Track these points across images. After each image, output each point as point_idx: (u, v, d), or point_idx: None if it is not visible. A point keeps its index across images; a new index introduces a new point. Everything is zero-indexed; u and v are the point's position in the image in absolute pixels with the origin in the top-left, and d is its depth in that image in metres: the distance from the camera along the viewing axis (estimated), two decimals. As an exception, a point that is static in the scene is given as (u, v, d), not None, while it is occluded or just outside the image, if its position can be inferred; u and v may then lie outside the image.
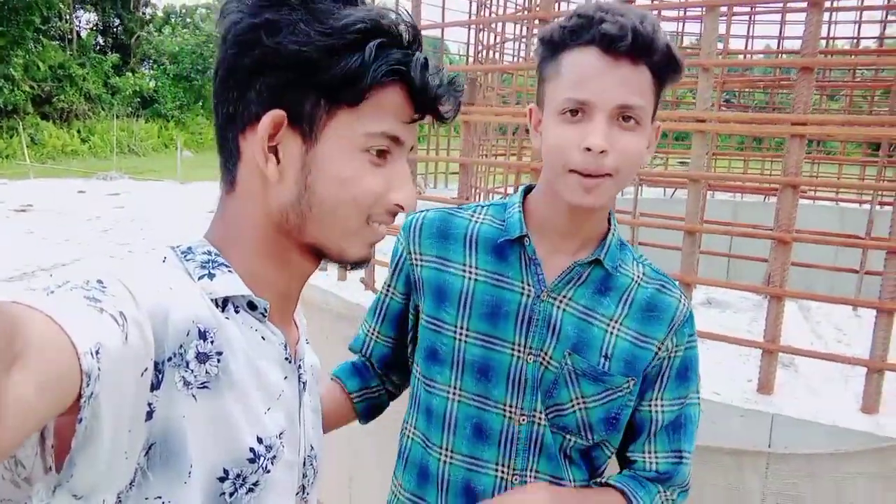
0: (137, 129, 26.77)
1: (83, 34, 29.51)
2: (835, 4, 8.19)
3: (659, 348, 1.23)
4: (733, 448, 2.05)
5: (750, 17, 8.73)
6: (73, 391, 0.55)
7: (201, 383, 0.74)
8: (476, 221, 1.28)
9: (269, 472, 0.83)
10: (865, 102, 9.61)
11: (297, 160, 0.80)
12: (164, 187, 16.88)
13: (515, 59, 8.06)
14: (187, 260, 0.81)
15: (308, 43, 0.75)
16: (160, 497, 0.71)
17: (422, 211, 1.32)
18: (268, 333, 0.85)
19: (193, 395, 0.73)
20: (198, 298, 0.76)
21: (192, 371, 0.73)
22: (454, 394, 1.24)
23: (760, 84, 8.94)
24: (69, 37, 27.81)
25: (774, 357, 2.25)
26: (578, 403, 1.21)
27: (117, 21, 30.84)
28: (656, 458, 1.28)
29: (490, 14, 7.92)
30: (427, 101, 0.82)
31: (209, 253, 0.83)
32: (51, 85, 24.71)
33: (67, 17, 27.42)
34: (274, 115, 0.78)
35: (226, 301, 0.81)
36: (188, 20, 32.66)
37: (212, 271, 0.81)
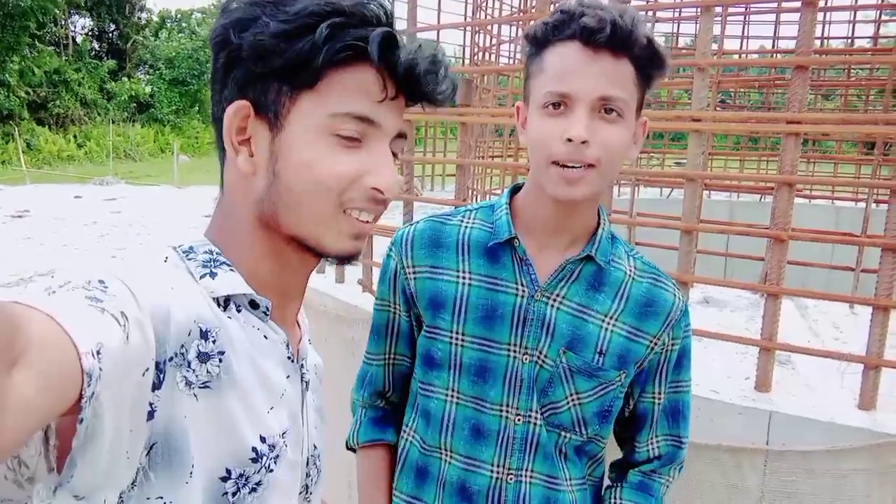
0: (133, 134, 26.72)
1: (79, 39, 29.49)
2: (829, 4, 8.20)
3: (654, 342, 1.26)
4: (731, 446, 2.05)
5: (745, 18, 8.75)
6: (75, 391, 0.55)
7: (203, 383, 0.74)
8: (466, 226, 1.28)
9: (271, 471, 0.83)
10: (861, 102, 9.64)
11: (266, 150, 0.80)
12: (160, 192, 16.86)
13: (511, 61, 8.07)
14: (189, 259, 0.81)
15: (265, 32, 0.75)
16: (162, 497, 0.71)
17: (411, 224, 1.32)
18: (270, 332, 0.85)
19: (195, 395, 0.73)
20: (199, 298, 0.77)
21: (194, 371, 0.73)
22: (452, 396, 1.25)
23: (756, 84, 8.95)
24: (65, 42, 27.80)
25: (772, 355, 2.25)
26: (573, 400, 1.23)
27: (113, 26, 30.82)
28: (657, 442, 1.35)
29: (485, 17, 7.93)
30: (400, 80, 0.80)
31: (210, 252, 0.83)
32: (46, 90, 24.67)
33: (63, 22, 27.39)
34: (236, 107, 0.79)
35: (227, 300, 0.81)
36: (184, 25, 32.64)
37: (213, 270, 0.81)
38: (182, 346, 0.72)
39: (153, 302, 0.68)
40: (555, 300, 1.22)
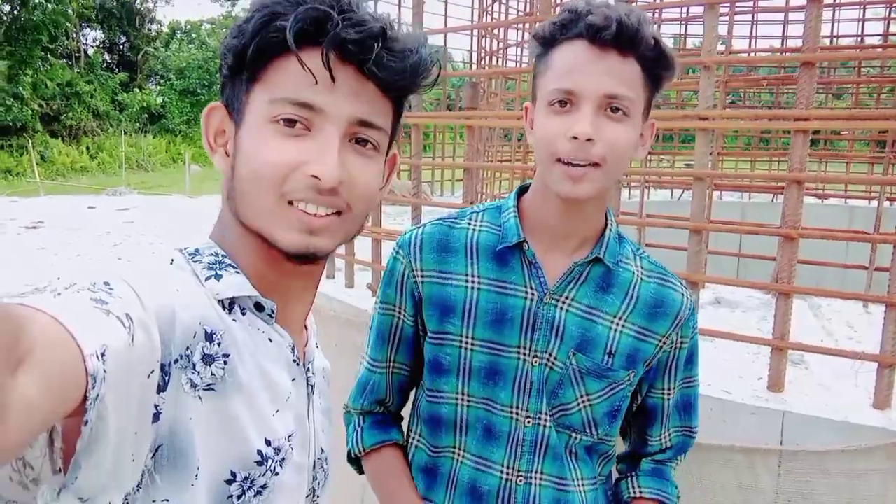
0: (145, 144, 26.90)
1: (90, 52, 29.76)
2: (837, 1, 8.15)
3: (662, 342, 1.26)
4: (745, 446, 2.04)
5: (753, 17, 8.71)
6: (79, 393, 0.55)
7: (207, 385, 0.74)
8: (474, 229, 1.27)
9: (277, 474, 0.82)
10: (872, 101, 9.56)
11: (233, 147, 0.82)
12: (173, 201, 16.94)
13: (518, 64, 8.08)
14: (195, 261, 0.81)
15: (229, 35, 0.78)
16: (167, 500, 0.71)
17: (418, 226, 1.31)
18: (275, 335, 0.85)
19: (200, 397, 0.73)
20: (204, 300, 0.77)
21: (199, 373, 0.73)
22: (462, 399, 1.25)
23: (765, 83, 8.91)
24: (76, 55, 28.06)
25: (784, 354, 2.24)
26: (583, 401, 1.22)
27: (123, 38, 31.09)
28: (669, 435, 1.36)
29: (491, 21, 7.95)
30: (350, 60, 0.76)
31: (216, 254, 0.83)
32: (59, 103, 24.90)
33: (74, 35, 27.66)
34: (208, 108, 0.82)
35: (232, 302, 0.81)
36: (193, 35, 32.88)
37: (219, 272, 0.81)
38: (187, 348, 0.72)
39: (158, 304, 0.69)
40: (564, 302, 1.22)
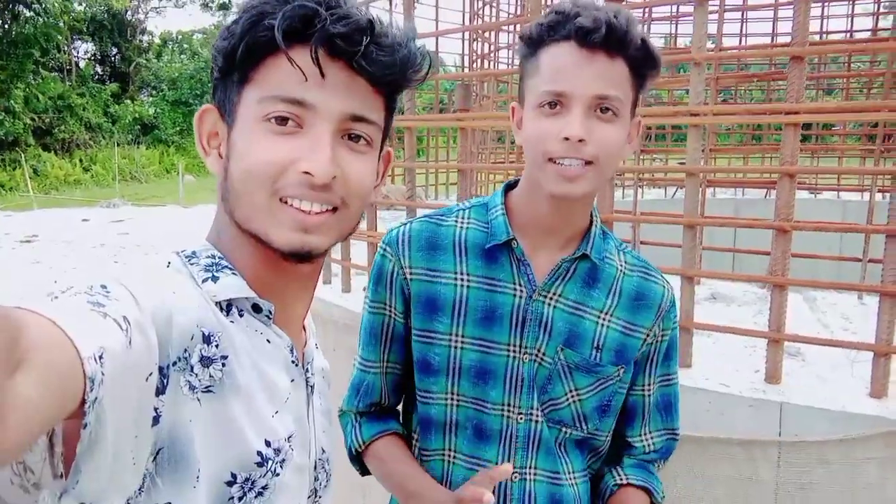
0: (139, 155, 26.82)
1: (82, 64, 29.69)
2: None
3: (647, 335, 1.27)
4: (743, 439, 2.04)
5: (742, 15, 8.76)
6: (77, 396, 0.55)
7: (206, 387, 0.74)
8: (461, 227, 1.27)
9: (278, 475, 0.82)
10: (862, 96, 9.61)
11: (226, 148, 0.82)
12: (167, 212, 16.90)
13: (510, 66, 8.10)
14: (191, 264, 0.81)
15: (219, 37, 0.78)
16: (169, 503, 0.71)
17: (404, 223, 1.31)
18: (273, 336, 0.85)
19: (198, 399, 0.73)
20: (202, 302, 0.77)
21: (197, 375, 0.73)
22: (452, 399, 1.25)
23: (755, 79, 8.96)
24: (68, 68, 27.99)
25: (780, 346, 2.25)
26: (572, 396, 1.23)
27: (115, 50, 31.01)
28: (652, 438, 1.35)
29: (482, 23, 7.97)
30: (338, 56, 0.76)
31: (213, 256, 0.83)
32: (51, 116, 24.82)
33: (66, 48, 27.60)
34: (199, 111, 0.82)
35: (230, 304, 0.81)
36: (185, 46, 32.85)
37: (215, 274, 0.81)
38: (185, 350, 0.72)
39: (155, 306, 0.69)
40: (552, 299, 1.23)
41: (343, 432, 1.39)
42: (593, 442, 1.30)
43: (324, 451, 0.97)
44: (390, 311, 1.29)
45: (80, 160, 25.16)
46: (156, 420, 0.68)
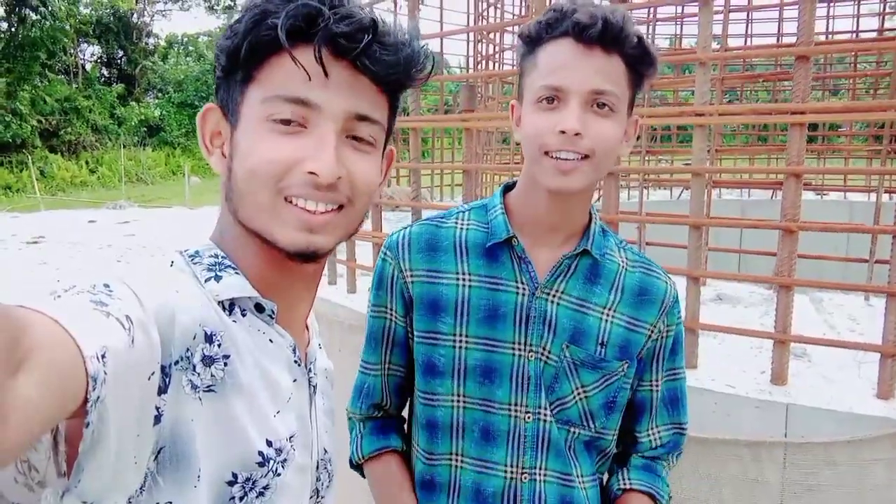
0: (145, 157, 26.94)
1: (88, 67, 29.82)
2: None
3: (651, 331, 1.27)
4: (750, 440, 2.04)
5: (748, 15, 8.74)
6: (79, 395, 0.55)
7: (207, 386, 0.74)
8: (461, 228, 1.27)
9: (279, 475, 0.82)
10: (868, 96, 9.59)
11: (229, 148, 0.81)
12: (173, 214, 16.95)
13: (515, 67, 8.10)
14: (194, 263, 0.81)
15: (223, 35, 0.78)
16: (170, 502, 0.71)
17: (404, 227, 1.31)
18: (275, 336, 0.85)
19: (200, 399, 0.73)
20: (204, 301, 0.76)
21: (199, 374, 0.73)
22: (458, 401, 1.24)
23: (761, 79, 8.94)
24: (74, 70, 28.11)
25: (786, 347, 2.24)
26: (579, 393, 1.23)
27: (121, 52, 31.14)
28: (659, 432, 1.34)
29: (487, 24, 7.97)
30: (342, 55, 0.76)
31: (216, 256, 0.83)
32: (58, 118, 24.93)
33: (72, 51, 27.71)
34: (202, 111, 0.81)
35: (233, 304, 0.80)
36: (191, 48, 32.95)
37: (218, 273, 0.81)
38: (187, 349, 0.72)
39: (158, 305, 0.69)
40: (554, 296, 1.23)
41: (349, 436, 1.40)
42: (601, 442, 1.29)
43: (326, 451, 0.97)
44: (391, 314, 1.30)
45: (87, 162, 25.27)
46: (157, 419, 0.68)
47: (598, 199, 2.90)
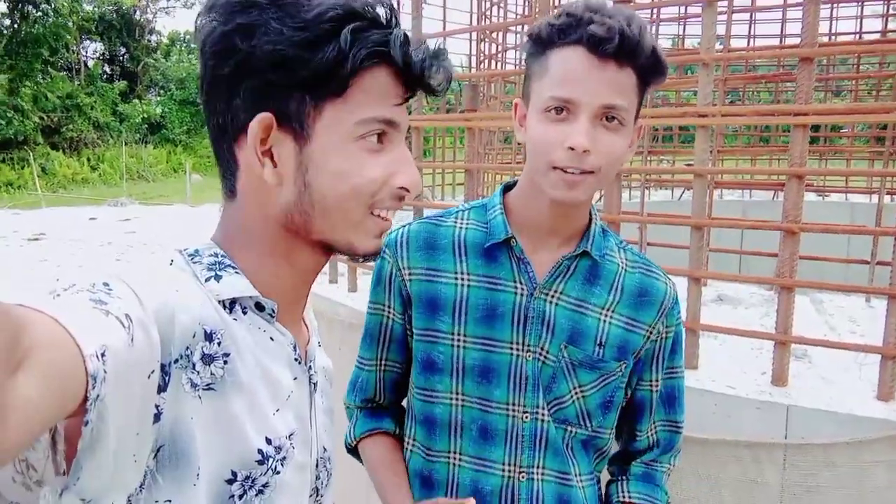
0: (146, 155, 26.94)
1: (90, 64, 29.79)
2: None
3: (650, 332, 1.27)
4: (750, 441, 2.03)
5: (751, 16, 8.73)
6: (79, 393, 0.55)
7: (207, 385, 0.74)
8: (460, 227, 1.27)
9: (278, 473, 0.82)
10: (871, 97, 9.58)
11: (292, 160, 0.79)
12: (174, 211, 16.98)
13: (517, 66, 8.10)
14: (194, 262, 0.81)
15: (282, 41, 0.73)
16: (170, 500, 0.71)
17: (403, 225, 1.31)
18: (276, 334, 0.85)
19: (199, 397, 0.73)
20: (204, 300, 0.76)
21: (198, 373, 0.73)
22: (457, 399, 1.24)
23: (763, 80, 8.93)
24: (76, 67, 28.12)
25: (787, 348, 2.24)
26: (576, 393, 1.23)
27: (123, 49, 31.14)
28: (655, 429, 1.35)
29: (490, 23, 7.97)
30: (415, 77, 0.80)
31: (216, 255, 0.82)
32: (60, 115, 24.94)
33: (75, 48, 27.72)
34: (261, 119, 0.76)
35: (233, 302, 0.80)
36: (193, 46, 32.91)
37: (218, 273, 0.80)
38: (187, 348, 0.71)
39: (157, 304, 0.68)
40: (553, 296, 1.23)
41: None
42: (598, 441, 1.29)
43: (325, 449, 0.97)
44: (388, 311, 1.30)
45: (88, 159, 25.29)
46: (157, 417, 0.68)
47: (600, 199, 2.90)
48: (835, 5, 8.40)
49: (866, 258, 4.12)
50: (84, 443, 0.58)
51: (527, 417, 1.23)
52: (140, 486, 0.68)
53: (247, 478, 0.78)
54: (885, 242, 3.92)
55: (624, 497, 1.34)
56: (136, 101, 28.90)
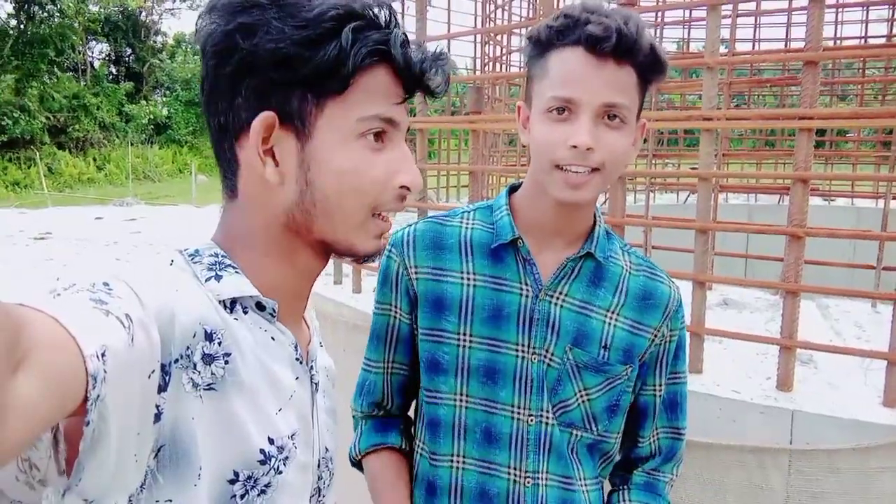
0: (152, 155, 26.99)
1: (96, 64, 29.90)
2: (840, 1, 8.15)
3: (655, 335, 1.27)
4: (755, 446, 2.03)
5: (756, 20, 8.72)
6: (79, 393, 0.55)
7: (208, 385, 0.74)
8: (466, 227, 1.27)
9: (281, 473, 0.82)
10: (877, 102, 9.55)
11: (294, 159, 0.79)
12: (179, 212, 17.00)
13: (522, 69, 8.10)
14: (195, 262, 0.81)
15: (283, 39, 0.73)
16: (171, 500, 0.71)
17: (409, 224, 1.31)
18: (277, 334, 0.85)
19: (200, 397, 0.73)
20: (204, 300, 0.76)
21: (199, 372, 0.73)
22: (461, 400, 1.24)
23: (769, 84, 8.91)
24: (83, 67, 28.19)
25: (792, 353, 2.23)
26: (582, 396, 1.22)
27: (129, 50, 31.22)
28: (657, 435, 1.35)
29: (494, 26, 7.97)
30: (414, 78, 0.81)
31: (216, 255, 0.82)
32: (66, 115, 25.00)
33: (81, 48, 27.80)
34: (263, 118, 0.76)
35: (234, 302, 0.80)
36: (197, 45, 32.96)
37: (219, 273, 0.80)
38: (187, 347, 0.71)
39: (158, 304, 0.68)
40: (558, 298, 1.22)
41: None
42: (603, 445, 1.29)
43: (327, 449, 0.97)
44: (395, 311, 1.30)
45: (94, 159, 25.35)
46: (158, 417, 0.68)
47: (604, 202, 2.89)
48: (840, 10, 8.38)
49: (872, 263, 4.10)
50: (85, 443, 0.58)
51: (531, 420, 1.22)
52: (141, 486, 0.68)
53: (249, 477, 0.78)
54: (891, 247, 3.90)
55: None
56: (142, 101, 28.98)
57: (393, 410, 1.38)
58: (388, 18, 0.78)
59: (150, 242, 12.21)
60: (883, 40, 8.88)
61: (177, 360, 0.70)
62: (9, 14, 23.78)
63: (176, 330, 0.70)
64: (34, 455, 0.59)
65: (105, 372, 0.57)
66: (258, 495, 0.79)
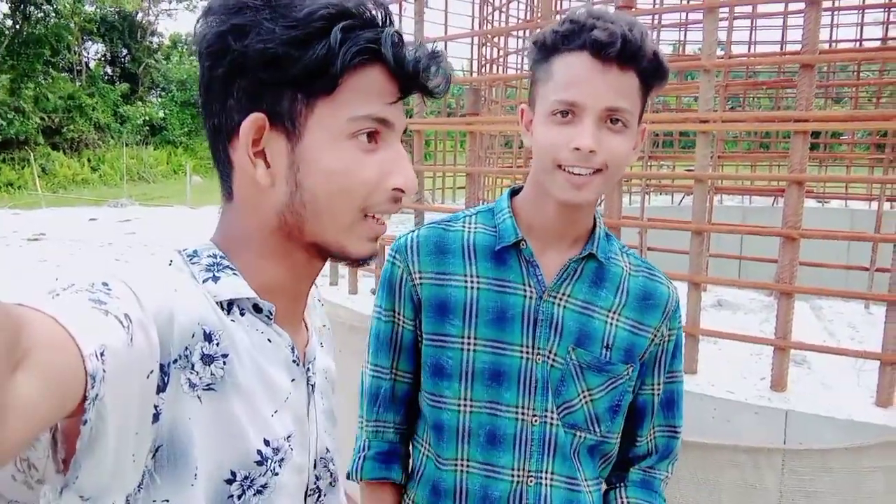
0: (147, 156, 26.90)
1: (92, 65, 29.81)
2: (836, 3, 8.19)
3: (654, 335, 1.28)
4: (749, 446, 2.04)
5: (752, 23, 8.75)
6: (78, 393, 0.55)
7: (206, 385, 0.73)
8: (469, 231, 1.28)
9: (277, 474, 0.82)
10: (871, 104, 9.59)
11: (284, 160, 0.78)
12: (174, 213, 16.95)
13: (518, 71, 8.11)
14: (193, 263, 0.81)
15: (273, 39, 0.73)
16: (168, 500, 0.71)
17: (412, 230, 1.32)
18: (274, 336, 0.84)
19: (199, 397, 0.73)
20: (203, 301, 0.76)
21: (198, 373, 0.73)
22: (465, 405, 1.25)
23: (764, 87, 8.94)
24: (78, 68, 28.11)
25: (786, 354, 2.24)
26: (585, 397, 1.23)
27: (125, 51, 31.13)
28: (654, 434, 1.36)
29: (491, 28, 7.99)
30: (408, 77, 0.79)
31: (214, 256, 0.82)
32: (61, 116, 24.91)
33: (76, 49, 27.73)
34: (253, 119, 0.76)
35: (231, 303, 0.80)
36: (194, 48, 32.91)
37: (216, 274, 0.80)
38: (186, 348, 0.71)
39: (157, 304, 0.68)
40: (561, 299, 1.24)
41: (354, 446, 1.40)
42: (604, 446, 1.30)
43: (328, 450, 0.96)
44: (398, 318, 1.30)
45: (89, 160, 25.27)
46: (156, 417, 0.68)
47: (600, 204, 2.90)
48: (835, 13, 8.42)
49: (866, 265, 4.12)
50: (83, 442, 0.58)
51: (536, 421, 1.23)
52: (138, 486, 0.68)
53: (245, 478, 0.78)
54: (884, 249, 3.92)
55: (622, 502, 1.34)
56: (138, 102, 28.90)
57: (400, 425, 1.37)
58: (382, 17, 0.77)
59: (145, 243, 12.18)
60: (878, 43, 8.91)
61: (175, 361, 0.70)
62: (4, 14, 23.70)
63: (175, 330, 0.70)
64: (33, 455, 0.59)
65: (104, 372, 0.56)
66: (254, 495, 0.79)
